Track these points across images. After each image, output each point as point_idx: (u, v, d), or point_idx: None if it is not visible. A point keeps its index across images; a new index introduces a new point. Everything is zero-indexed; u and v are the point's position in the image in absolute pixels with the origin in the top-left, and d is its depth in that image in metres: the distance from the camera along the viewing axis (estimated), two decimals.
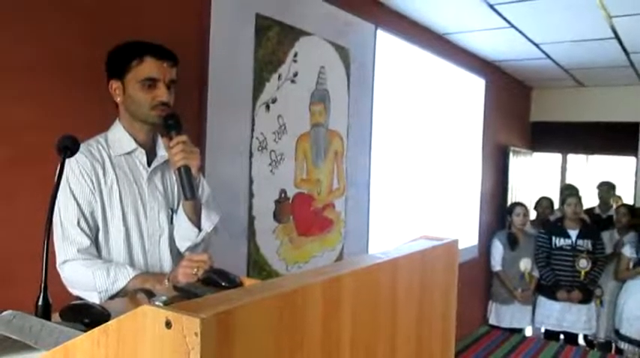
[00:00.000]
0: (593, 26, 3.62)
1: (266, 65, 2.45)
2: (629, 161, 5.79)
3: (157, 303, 0.96)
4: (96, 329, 0.53)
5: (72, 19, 1.72)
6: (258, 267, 2.44)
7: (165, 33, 1.78)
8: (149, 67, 1.44)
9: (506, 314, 4.53)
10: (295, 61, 2.62)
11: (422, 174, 3.74)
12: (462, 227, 4.40)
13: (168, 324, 0.47)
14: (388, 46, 3.30)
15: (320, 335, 0.61)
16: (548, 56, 4.55)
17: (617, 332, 4.32)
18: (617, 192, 5.36)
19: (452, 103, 4.16)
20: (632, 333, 4.18)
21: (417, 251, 0.87)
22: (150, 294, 1.18)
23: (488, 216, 4.86)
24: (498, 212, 5.00)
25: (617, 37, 3.85)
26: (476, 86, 4.58)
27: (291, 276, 0.65)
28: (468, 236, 4.48)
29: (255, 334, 0.52)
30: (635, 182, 5.67)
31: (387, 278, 0.78)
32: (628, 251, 4.29)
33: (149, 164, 1.52)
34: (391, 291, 0.78)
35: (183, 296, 1.13)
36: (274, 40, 2.49)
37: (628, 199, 5.47)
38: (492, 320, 4.62)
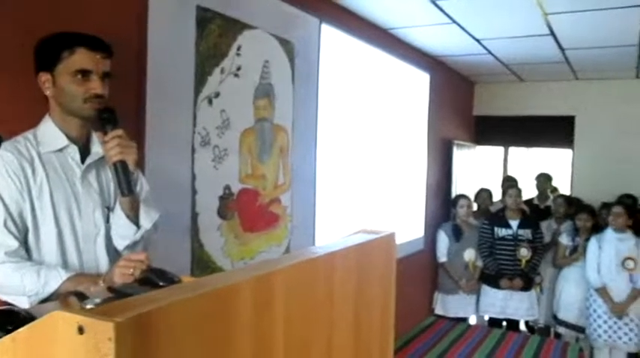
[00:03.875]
0: (530, 23, 3.73)
1: (208, 58, 2.40)
2: (566, 153, 6.04)
3: (87, 306, 0.92)
4: (5, 337, 0.50)
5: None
6: (202, 264, 2.40)
7: (99, 23, 1.71)
8: (81, 58, 1.38)
9: (451, 304, 4.65)
10: (239, 55, 2.58)
11: (369, 168, 3.77)
12: (409, 220, 4.47)
13: (80, 330, 0.44)
14: (333, 40, 3.30)
15: (250, 334, 0.60)
16: (489, 52, 4.67)
17: (555, 317, 4.51)
18: (555, 183, 5.57)
19: (397, 98, 4.21)
20: (569, 318, 4.38)
21: (353, 245, 0.87)
22: (82, 297, 1.13)
23: (434, 208, 4.96)
24: (443, 204, 5.11)
25: (552, 33, 4.00)
26: (421, 81, 4.65)
27: (221, 274, 0.63)
28: (414, 228, 4.56)
29: (179, 337, 0.50)
30: (572, 173, 5.93)
31: (323, 273, 0.77)
32: (565, 239, 4.48)
33: (83, 161, 1.46)
34: (327, 286, 0.77)
35: (117, 298, 1.09)
36: (216, 33, 2.44)
37: (565, 190, 5.70)
38: (438, 311, 4.73)
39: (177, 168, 2.26)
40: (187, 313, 0.52)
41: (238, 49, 2.57)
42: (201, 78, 2.36)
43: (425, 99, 4.75)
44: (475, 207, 5.21)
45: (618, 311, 4.00)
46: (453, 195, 5.11)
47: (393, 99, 4.14)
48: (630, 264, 3.99)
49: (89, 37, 1.41)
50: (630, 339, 4.01)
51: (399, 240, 3.94)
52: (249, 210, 2.75)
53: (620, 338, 4.03)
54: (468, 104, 6.32)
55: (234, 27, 2.54)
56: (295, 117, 3.03)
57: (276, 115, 2.89)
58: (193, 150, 2.33)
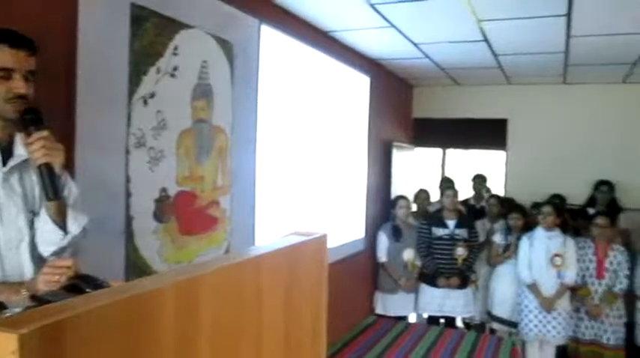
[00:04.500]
0: (465, 29, 3.86)
1: (143, 58, 2.33)
2: (500, 155, 6.27)
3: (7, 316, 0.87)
4: None
5: None
6: (138, 269, 2.33)
7: (23, 17, 1.63)
8: (2, 56, 1.32)
9: (391, 303, 4.73)
10: (175, 55, 2.53)
11: (310, 170, 3.78)
12: (350, 221, 4.52)
13: None
14: (274, 41, 3.29)
15: (174, 342, 0.58)
16: (427, 56, 4.80)
17: (489, 313, 4.67)
18: (490, 184, 5.78)
19: (338, 100, 4.25)
20: (502, 314, 4.55)
21: (283, 247, 0.86)
22: (1, 307, 1.07)
23: (374, 209, 5.03)
24: (383, 205, 5.19)
25: (486, 40, 4.15)
26: (361, 83, 4.71)
27: (144, 279, 0.61)
28: (355, 230, 4.61)
29: (95, 347, 0.48)
30: (505, 174, 6.17)
31: (251, 277, 0.76)
32: (498, 238, 4.65)
33: (5, 164, 1.39)
34: (256, 290, 0.77)
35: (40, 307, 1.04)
36: (152, 32, 2.38)
37: (499, 190, 5.93)
38: (379, 310, 4.80)
39: (110, 170, 2.19)
40: (105, 321, 0.49)
41: (175, 48, 2.52)
42: (135, 77, 2.29)
43: (365, 102, 4.82)
44: (414, 207, 5.33)
45: (548, 305, 4.18)
46: (393, 196, 5.20)
47: (334, 101, 4.17)
48: (558, 260, 4.19)
49: (11, 32, 1.34)
50: (558, 332, 4.20)
51: (341, 241, 3.97)
52: (186, 213, 2.70)
53: (549, 331, 4.21)
54: (407, 107, 6.46)
55: (170, 26, 2.48)
56: (235, 119, 3.00)
57: (214, 116, 2.85)
58: (127, 152, 2.26)
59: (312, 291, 1.01)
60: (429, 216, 4.90)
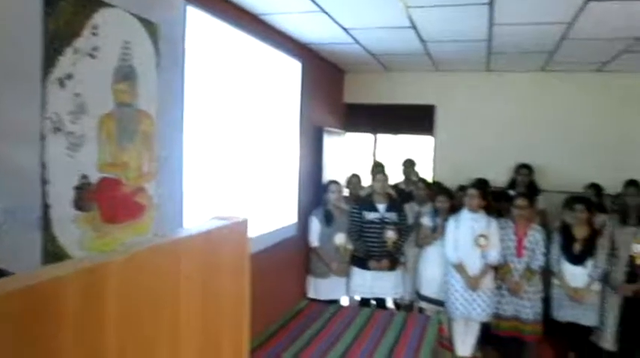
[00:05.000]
0: (393, 15, 3.90)
1: (59, 37, 2.19)
2: (428, 140, 6.44)
3: None
4: None
5: None
6: (56, 259, 2.21)
7: None
8: None
9: (323, 287, 4.79)
10: (95, 35, 2.39)
11: (241, 156, 3.72)
12: (282, 206, 4.51)
13: None
14: (202, 24, 3.20)
15: (74, 336, 0.55)
16: (357, 41, 4.83)
17: (418, 293, 4.82)
18: (419, 169, 5.93)
19: (269, 85, 4.20)
20: (430, 293, 4.71)
21: (200, 232, 0.84)
22: None
23: (306, 194, 5.04)
24: (315, 190, 5.21)
25: (414, 26, 4.22)
26: (292, 68, 4.68)
27: (44, 268, 0.57)
28: (287, 215, 4.61)
29: None
30: (433, 159, 6.36)
31: (165, 264, 0.73)
32: (426, 220, 4.79)
33: None
34: (170, 278, 0.74)
35: None
36: (68, 10, 2.24)
37: (427, 174, 6.10)
38: (311, 294, 4.84)
39: (24, 157, 2.05)
40: None
41: (94, 28, 2.38)
42: (50, 58, 2.15)
43: (297, 87, 4.80)
44: (346, 192, 5.39)
45: (473, 284, 4.37)
46: (325, 181, 5.23)
47: (265, 86, 4.12)
48: (482, 241, 4.37)
49: None
50: (483, 310, 4.40)
51: (273, 227, 3.95)
52: (110, 201, 2.59)
53: (474, 309, 4.40)
54: (339, 92, 6.50)
55: (89, 4, 2.35)
56: (161, 103, 2.89)
57: (139, 100, 2.74)
58: (42, 138, 2.13)
59: (233, 277, 0.99)
60: (360, 200, 4.97)
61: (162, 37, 2.87)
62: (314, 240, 4.80)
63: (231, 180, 3.61)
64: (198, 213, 3.22)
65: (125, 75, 2.64)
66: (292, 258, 4.76)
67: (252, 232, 3.79)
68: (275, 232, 4.26)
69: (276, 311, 4.24)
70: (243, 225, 1.01)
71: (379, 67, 6.17)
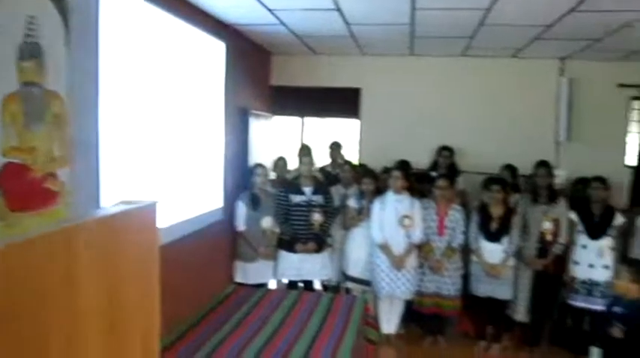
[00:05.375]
0: None
1: None
2: (354, 123, 6.51)
3: None
4: None
5: None
6: None
7: None
8: None
9: (251, 271, 4.75)
10: None
11: (163, 139, 3.59)
12: (207, 190, 4.41)
13: None
14: (121, 1, 3.03)
15: None
16: (282, 23, 4.77)
17: (345, 274, 4.89)
18: (346, 151, 5.98)
19: (192, 66, 4.06)
20: (356, 273, 4.79)
21: (101, 217, 0.79)
22: None
23: (232, 178, 4.96)
24: (241, 174, 5.14)
25: (338, 9, 4.21)
26: (216, 49, 4.56)
27: None
28: (213, 199, 4.52)
29: None
30: (359, 141, 6.44)
31: (62, 251, 0.68)
32: (352, 202, 4.84)
33: None
34: (68, 266, 0.69)
35: None
36: None
37: (354, 157, 6.17)
38: (238, 279, 4.80)
39: None
40: None
41: None
42: None
43: (221, 69, 4.68)
44: (273, 175, 5.36)
45: (398, 264, 4.48)
46: (251, 164, 5.16)
47: (187, 67, 3.98)
48: (406, 221, 4.48)
49: None
50: (407, 288, 4.53)
51: (198, 211, 3.85)
52: (17, 188, 2.42)
53: (399, 287, 4.53)
54: (266, 75, 6.42)
55: None
56: (73, 83, 2.72)
57: (47, 80, 2.56)
58: None
59: (141, 263, 0.94)
60: (287, 183, 4.96)
61: (72, 11, 2.70)
62: (240, 224, 4.75)
63: (153, 164, 3.48)
64: (118, 199, 3.08)
65: (31, 52, 2.46)
66: (218, 242, 4.69)
67: (175, 218, 3.69)
68: (200, 217, 4.17)
69: (203, 297, 4.17)
70: (150, 208, 0.96)
71: (306, 50, 6.14)
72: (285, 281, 5.05)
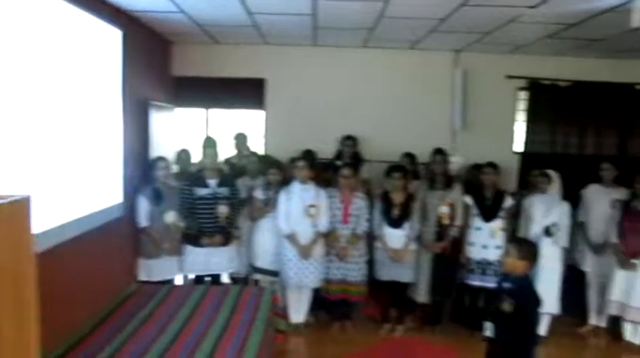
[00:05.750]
0: None
1: None
2: (259, 114, 6.47)
3: None
4: None
5: None
6: None
7: None
8: None
9: (155, 268, 4.60)
10: None
11: (54, 132, 3.35)
12: (104, 186, 4.19)
13: None
14: None
15: None
16: (182, 10, 4.61)
17: (253, 265, 4.88)
18: (252, 143, 5.94)
19: (83, 54, 3.82)
20: (264, 265, 4.79)
21: None
22: None
23: (133, 172, 4.75)
24: (142, 168, 4.94)
25: None
26: (112, 37, 4.32)
27: None
28: (111, 194, 4.30)
29: None
30: (265, 132, 6.42)
31: None
32: (259, 193, 4.82)
33: None
34: None
35: None
36: None
37: (260, 148, 6.15)
38: (143, 277, 4.63)
39: None
40: None
41: None
42: None
43: (118, 58, 4.44)
44: (176, 168, 5.21)
45: (305, 253, 4.53)
46: (152, 157, 4.98)
47: (79, 55, 3.74)
48: (312, 211, 4.54)
49: None
50: (315, 277, 4.61)
51: (94, 208, 3.64)
52: None
53: (307, 276, 4.59)
54: (167, 65, 6.20)
55: None
56: None
57: None
58: None
59: (10, 261, 0.87)
60: (191, 176, 4.84)
61: None
62: (143, 220, 4.57)
63: (45, 159, 3.24)
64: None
65: None
66: (119, 240, 4.48)
67: (66, 216, 3.47)
68: (96, 214, 3.95)
69: (104, 297, 3.99)
70: (22, 203, 0.90)
71: (208, 39, 6.00)
72: (192, 276, 4.94)
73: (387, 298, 4.81)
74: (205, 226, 4.60)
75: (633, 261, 4.41)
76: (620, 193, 4.68)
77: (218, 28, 5.46)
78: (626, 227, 4.46)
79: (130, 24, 4.73)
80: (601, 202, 4.77)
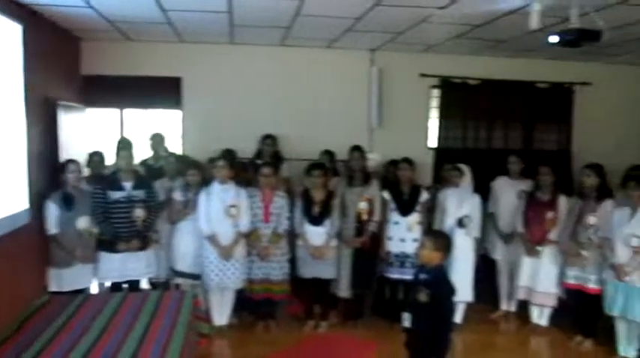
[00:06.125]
0: None
1: None
2: (176, 113, 6.31)
3: None
4: None
5: None
6: None
7: None
8: None
9: (67, 278, 4.36)
10: None
11: None
12: (8, 191, 3.92)
13: None
14: None
15: None
16: (89, 5, 4.41)
17: (173, 269, 4.75)
18: (169, 143, 5.78)
19: None
20: (185, 268, 4.68)
21: None
22: None
23: (40, 177, 4.49)
24: (50, 172, 4.68)
25: None
26: (10, 32, 4.03)
27: None
28: (16, 200, 4.03)
29: None
30: (182, 132, 6.27)
31: None
32: (178, 195, 4.71)
33: None
34: None
35: None
36: None
37: (177, 149, 6.00)
38: (54, 287, 4.37)
39: None
40: None
41: None
42: None
43: (18, 55, 4.16)
44: (88, 171, 4.98)
45: (226, 254, 4.47)
46: (62, 161, 4.72)
47: None
48: (233, 211, 4.48)
49: None
50: (237, 277, 4.55)
51: None
52: None
53: (229, 278, 4.53)
54: (75, 62, 5.90)
55: None
56: None
57: None
58: None
59: None
60: (104, 179, 4.64)
61: None
62: (52, 227, 4.32)
63: None
64: None
65: None
66: (25, 250, 4.21)
67: None
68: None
69: (11, 311, 3.74)
70: None
71: (120, 36, 5.78)
72: (108, 283, 4.74)
73: (310, 295, 4.84)
74: (121, 231, 4.43)
75: (538, 248, 4.70)
76: (526, 184, 4.99)
77: (130, 25, 5.27)
78: (531, 216, 4.75)
79: (31, 18, 4.46)
80: (509, 194, 5.06)
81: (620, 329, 4.27)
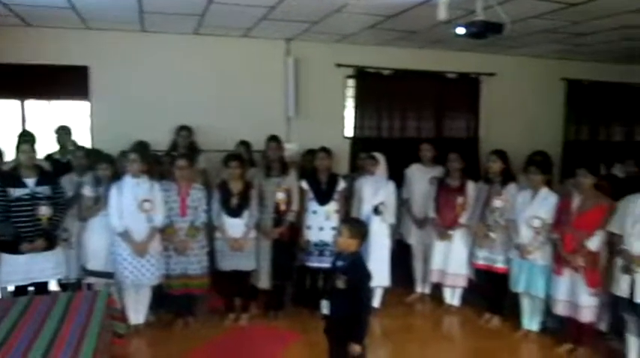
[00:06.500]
0: None
1: None
2: (85, 105, 5.99)
3: None
4: None
5: None
6: None
7: None
8: None
9: None
10: None
11: None
12: None
13: None
14: None
15: None
16: None
17: (84, 268, 4.54)
18: (77, 136, 5.49)
19: None
20: (97, 267, 4.47)
21: None
22: None
23: None
24: None
25: None
26: None
27: None
28: None
29: None
30: (91, 125, 5.96)
31: None
32: (87, 191, 4.49)
33: None
34: None
35: None
36: None
37: (86, 142, 5.71)
38: None
39: None
40: None
41: None
42: None
43: None
44: None
45: (141, 250, 4.33)
46: None
47: None
48: (147, 205, 4.34)
49: None
50: (152, 274, 4.42)
51: None
52: None
53: (144, 275, 4.38)
54: None
55: None
56: None
57: None
58: None
59: None
60: (4, 175, 4.33)
61: None
62: None
63: None
64: None
65: None
66: None
67: None
68: None
69: None
70: None
71: (17, 21, 5.37)
72: (11, 288, 4.44)
73: (230, 288, 4.79)
74: (24, 230, 4.15)
75: (449, 232, 4.92)
76: (438, 171, 5.20)
77: (27, 9, 4.92)
78: (442, 202, 4.97)
79: None
80: (421, 180, 5.26)
81: (525, 304, 4.57)
